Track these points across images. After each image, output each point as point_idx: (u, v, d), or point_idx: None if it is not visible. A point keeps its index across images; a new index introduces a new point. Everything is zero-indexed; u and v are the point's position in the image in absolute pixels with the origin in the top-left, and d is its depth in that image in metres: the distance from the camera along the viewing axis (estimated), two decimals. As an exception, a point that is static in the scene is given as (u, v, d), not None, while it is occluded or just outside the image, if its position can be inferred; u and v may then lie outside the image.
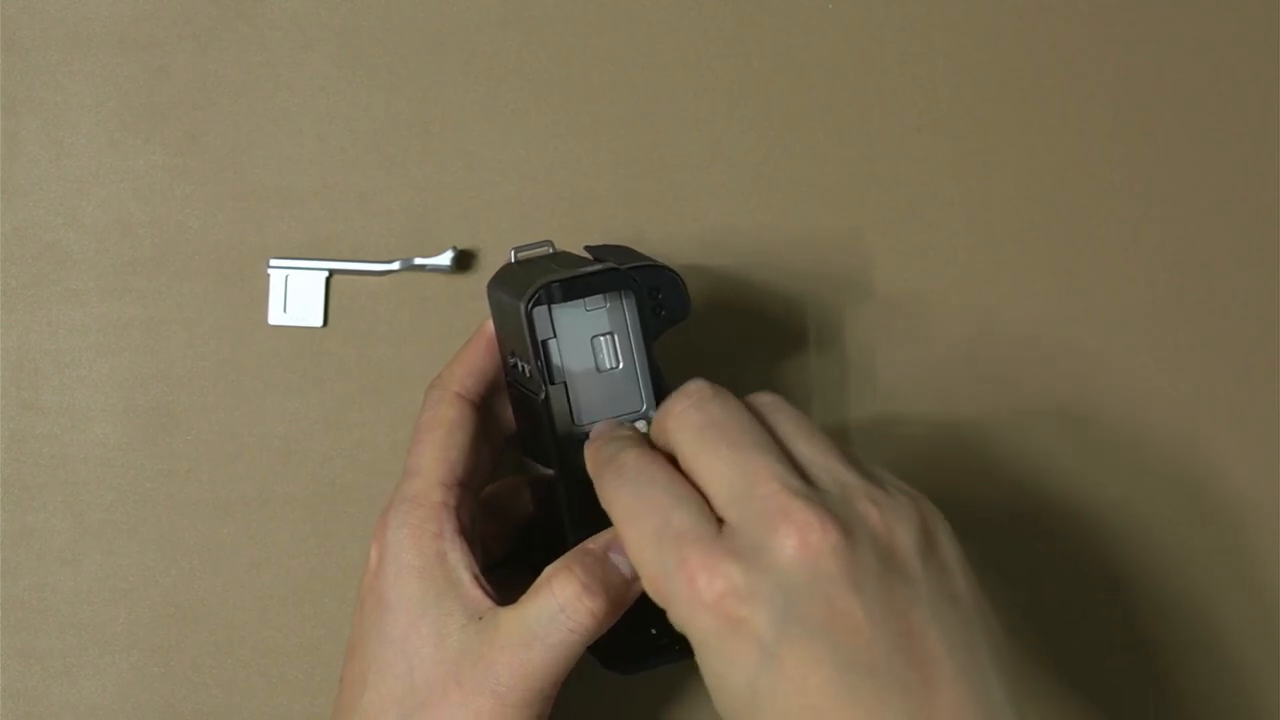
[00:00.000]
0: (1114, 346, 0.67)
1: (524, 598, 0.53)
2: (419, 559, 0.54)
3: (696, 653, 0.48)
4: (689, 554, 0.47)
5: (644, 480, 0.50)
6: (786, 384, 0.66)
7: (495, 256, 0.65)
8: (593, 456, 0.52)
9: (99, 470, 0.64)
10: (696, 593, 0.46)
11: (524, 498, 0.60)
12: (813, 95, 0.66)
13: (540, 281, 0.54)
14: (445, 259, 0.64)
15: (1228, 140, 0.68)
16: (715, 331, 0.65)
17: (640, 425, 0.55)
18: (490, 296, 0.57)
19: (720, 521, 0.48)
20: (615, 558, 0.52)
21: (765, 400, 0.52)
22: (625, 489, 0.50)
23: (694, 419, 0.50)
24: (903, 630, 0.46)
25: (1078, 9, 0.67)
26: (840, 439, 0.54)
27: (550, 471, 0.55)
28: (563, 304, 0.54)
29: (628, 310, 0.55)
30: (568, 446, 0.54)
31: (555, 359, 0.54)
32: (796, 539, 0.46)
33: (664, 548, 0.48)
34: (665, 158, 0.66)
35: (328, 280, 0.65)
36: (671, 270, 0.55)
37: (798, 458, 0.50)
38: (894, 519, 0.48)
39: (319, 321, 0.65)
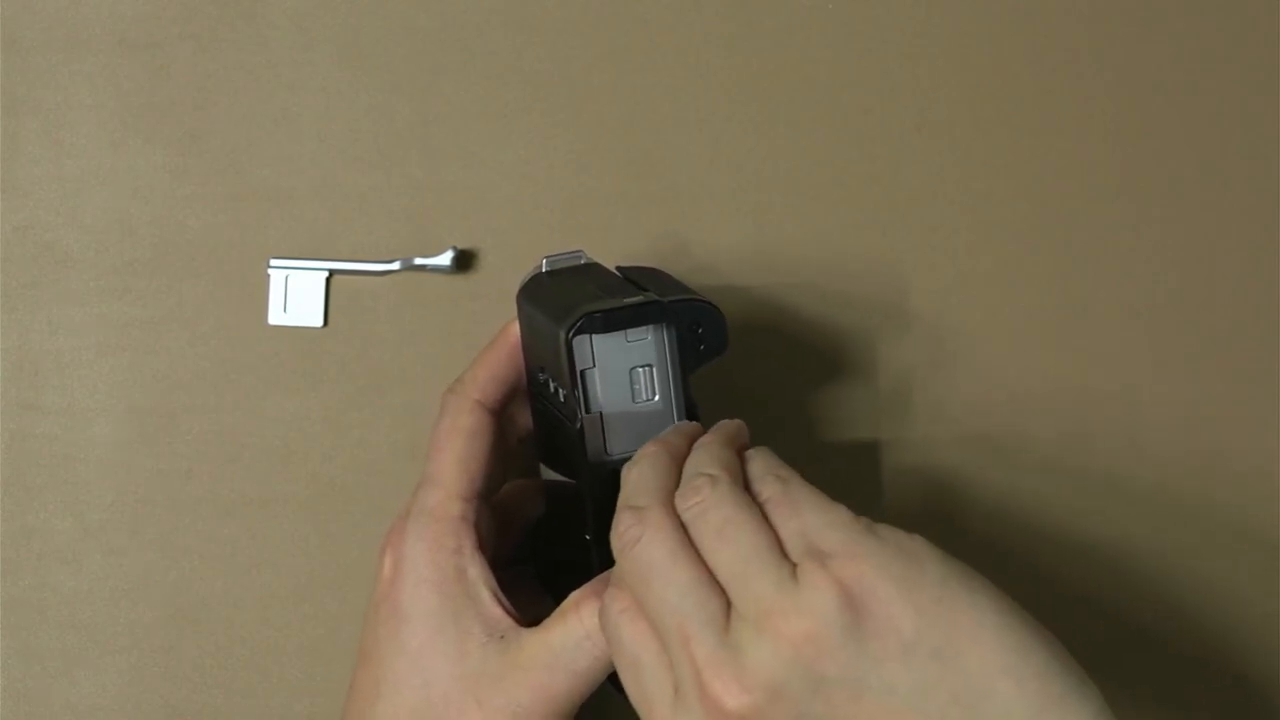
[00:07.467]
0: (1114, 347, 0.67)
1: (548, 621, 0.52)
2: (437, 574, 0.54)
3: None
4: (704, 673, 0.46)
5: (661, 582, 0.47)
6: (777, 381, 0.66)
7: (495, 256, 0.65)
8: (619, 535, 0.49)
9: (99, 470, 0.64)
10: None
11: (533, 501, 0.59)
12: (813, 95, 0.66)
13: (582, 310, 0.52)
14: (445, 259, 0.64)
15: (1228, 140, 0.68)
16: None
17: None
18: (520, 307, 0.56)
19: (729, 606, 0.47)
20: None
21: (754, 473, 0.50)
22: (640, 590, 0.48)
23: (712, 521, 0.48)
24: None
25: (1078, 9, 0.67)
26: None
27: (568, 479, 0.55)
28: (603, 334, 0.52)
29: (668, 343, 0.53)
30: (598, 475, 0.53)
31: (593, 388, 0.53)
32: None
33: (678, 665, 0.46)
34: (665, 158, 0.66)
35: (328, 280, 0.65)
36: (712, 304, 0.54)
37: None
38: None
39: (319, 321, 0.65)
